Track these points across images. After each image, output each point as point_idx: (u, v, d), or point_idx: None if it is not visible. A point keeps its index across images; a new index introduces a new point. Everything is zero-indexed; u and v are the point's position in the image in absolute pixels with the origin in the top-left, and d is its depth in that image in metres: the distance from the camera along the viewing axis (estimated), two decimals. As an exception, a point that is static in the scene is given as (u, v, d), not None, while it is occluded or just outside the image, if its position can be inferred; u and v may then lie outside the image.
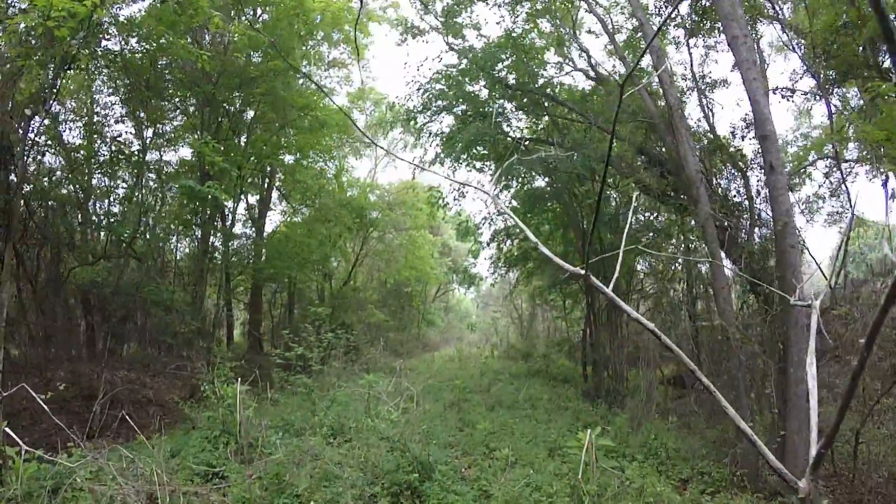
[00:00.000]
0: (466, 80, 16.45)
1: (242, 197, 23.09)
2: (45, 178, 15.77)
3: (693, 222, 11.94)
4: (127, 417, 9.24)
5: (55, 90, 12.29)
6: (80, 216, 15.99)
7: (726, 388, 9.62)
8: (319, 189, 21.75)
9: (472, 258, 25.81)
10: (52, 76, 12.10)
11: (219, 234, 18.65)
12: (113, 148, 15.98)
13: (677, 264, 16.53)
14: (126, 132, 16.60)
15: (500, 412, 11.85)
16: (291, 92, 16.84)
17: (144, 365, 16.29)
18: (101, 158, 16.04)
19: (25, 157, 12.78)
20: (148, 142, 17.03)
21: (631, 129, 14.22)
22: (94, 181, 16.49)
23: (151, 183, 18.67)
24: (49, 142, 15.00)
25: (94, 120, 16.17)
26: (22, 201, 12.65)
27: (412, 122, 17.98)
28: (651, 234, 17.20)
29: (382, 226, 28.30)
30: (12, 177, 11.97)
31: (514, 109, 17.57)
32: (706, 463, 8.47)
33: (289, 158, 21.33)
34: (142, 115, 16.09)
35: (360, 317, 26.90)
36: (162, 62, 15.46)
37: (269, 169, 22.33)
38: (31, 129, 12.92)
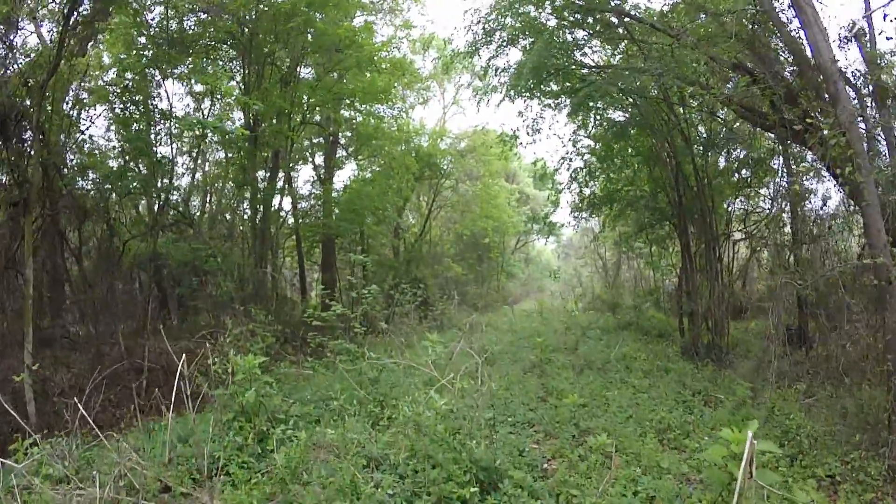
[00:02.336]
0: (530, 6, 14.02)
1: (306, 153, 21.66)
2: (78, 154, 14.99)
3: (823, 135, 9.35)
4: (158, 394, 8.03)
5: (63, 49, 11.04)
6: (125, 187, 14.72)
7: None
8: (382, 137, 19.74)
9: (552, 206, 23.36)
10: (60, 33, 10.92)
11: (285, 194, 17.36)
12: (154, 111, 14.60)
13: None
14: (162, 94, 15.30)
15: (590, 376, 9.90)
16: (334, 26, 14.85)
17: (209, 335, 15.17)
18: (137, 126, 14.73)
19: (40, 128, 11.60)
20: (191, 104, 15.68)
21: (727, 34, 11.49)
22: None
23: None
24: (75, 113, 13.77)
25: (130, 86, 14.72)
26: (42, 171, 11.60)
27: (474, 57, 15.61)
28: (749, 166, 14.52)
29: (455, 175, 26.38)
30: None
31: (586, 37, 14.92)
32: (857, 454, 6.12)
33: (347, 114, 19.68)
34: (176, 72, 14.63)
35: (434, 271, 25.29)
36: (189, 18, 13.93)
37: (331, 128, 20.68)
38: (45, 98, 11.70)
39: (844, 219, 10.52)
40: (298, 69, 16.56)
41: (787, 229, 14.31)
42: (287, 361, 11.49)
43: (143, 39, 14.03)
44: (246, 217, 18.25)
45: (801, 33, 8.62)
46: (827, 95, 7.42)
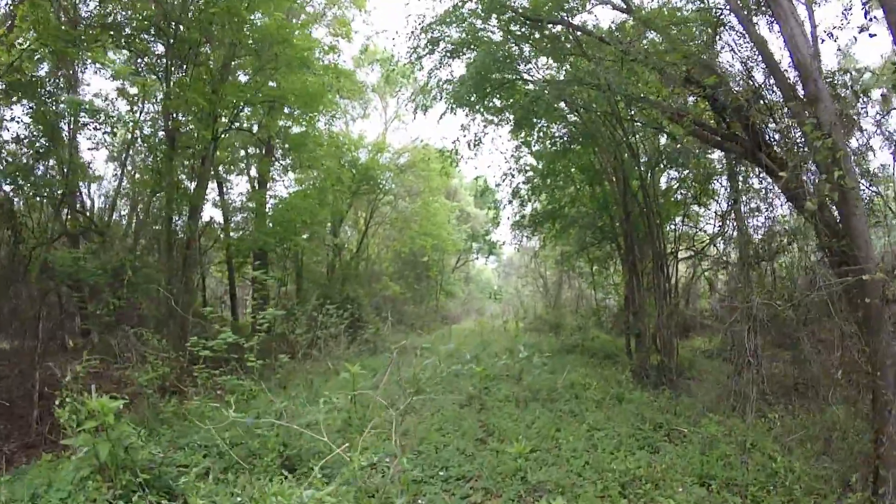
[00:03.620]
0: (477, 20, 13.09)
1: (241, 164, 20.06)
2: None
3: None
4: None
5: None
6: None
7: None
8: (313, 145, 18.35)
9: (492, 224, 22.21)
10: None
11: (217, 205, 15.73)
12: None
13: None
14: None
15: (537, 410, 8.62)
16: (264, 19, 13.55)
17: (113, 356, 13.29)
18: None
19: None
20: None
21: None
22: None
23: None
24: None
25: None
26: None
27: (416, 67, 14.49)
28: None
29: (394, 191, 25.14)
30: None
31: (532, 52, 13.99)
32: (855, 498, 5.12)
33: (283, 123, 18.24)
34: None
35: (372, 290, 23.87)
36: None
37: (263, 135, 19.17)
38: None
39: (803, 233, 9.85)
40: (228, 67, 15.01)
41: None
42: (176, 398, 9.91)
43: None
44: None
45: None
46: (804, 94, 6.50)
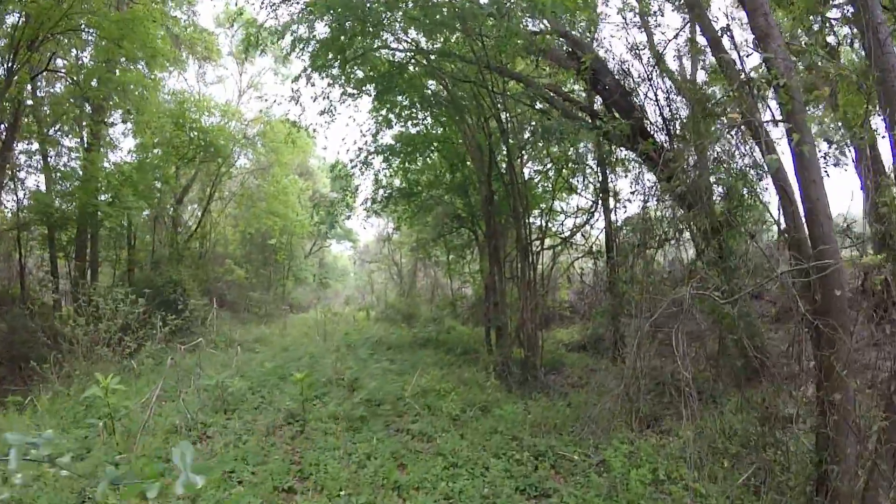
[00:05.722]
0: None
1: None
2: None
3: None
4: None
5: None
6: None
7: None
8: (130, 94, 14.95)
9: (347, 207, 19.78)
10: None
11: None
12: None
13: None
14: None
15: (374, 434, 6.47)
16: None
17: None
18: None
19: None
20: None
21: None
22: None
23: None
24: None
25: None
26: None
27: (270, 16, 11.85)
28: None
29: (245, 166, 21.98)
30: None
31: (400, 21, 11.83)
32: None
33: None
34: None
35: (214, 273, 20.60)
36: None
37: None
38: None
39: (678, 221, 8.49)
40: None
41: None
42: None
43: None
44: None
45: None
46: (754, 31, 4.81)
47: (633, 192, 10.51)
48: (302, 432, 6.57)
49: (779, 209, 5.38)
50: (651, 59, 10.85)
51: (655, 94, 10.84)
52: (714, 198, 9.26)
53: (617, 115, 9.86)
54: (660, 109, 10.81)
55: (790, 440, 5.65)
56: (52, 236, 15.50)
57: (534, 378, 9.55)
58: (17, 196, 16.01)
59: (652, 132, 10.74)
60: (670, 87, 10.79)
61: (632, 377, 6.22)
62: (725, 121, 6.41)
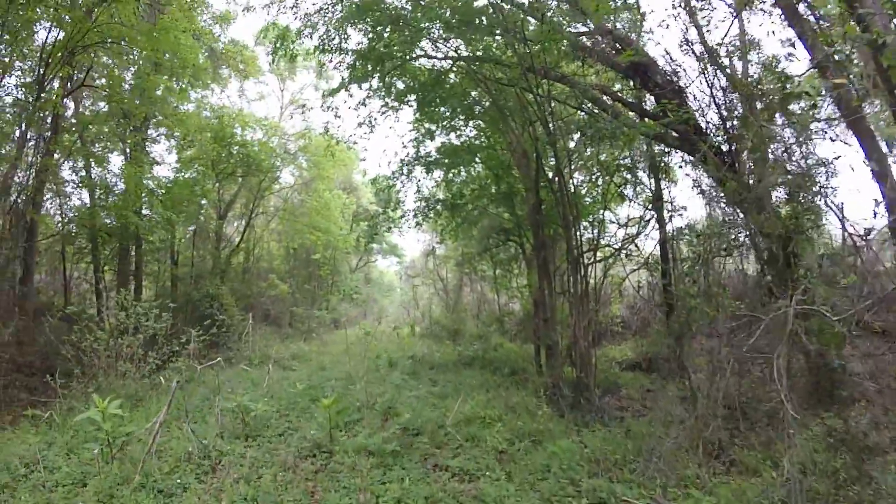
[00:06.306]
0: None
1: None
2: None
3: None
4: None
5: None
6: None
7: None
8: (169, 108, 14.80)
9: (393, 224, 19.22)
10: None
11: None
12: None
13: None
14: None
15: (409, 470, 5.64)
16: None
17: None
18: None
19: None
20: None
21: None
22: None
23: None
24: None
25: None
26: None
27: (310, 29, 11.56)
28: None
29: (291, 183, 21.74)
30: None
31: (442, 31, 11.28)
32: None
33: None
34: None
35: (259, 288, 20.35)
36: None
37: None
38: None
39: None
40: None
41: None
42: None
43: None
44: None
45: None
46: None
47: (697, 193, 9.53)
48: (327, 466, 5.85)
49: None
50: (704, 54, 10.00)
51: (711, 89, 9.98)
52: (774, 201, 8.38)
53: (670, 115, 9.04)
54: (716, 107, 9.94)
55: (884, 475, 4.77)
56: (96, 250, 15.48)
57: (587, 401, 8.70)
58: (61, 210, 16.02)
59: (708, 131, 9.88)
60: (724, 84, 9.93)
61: (707, 406, 5.35)
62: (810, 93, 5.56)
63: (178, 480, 5.25)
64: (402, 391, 8.71)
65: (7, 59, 11.31)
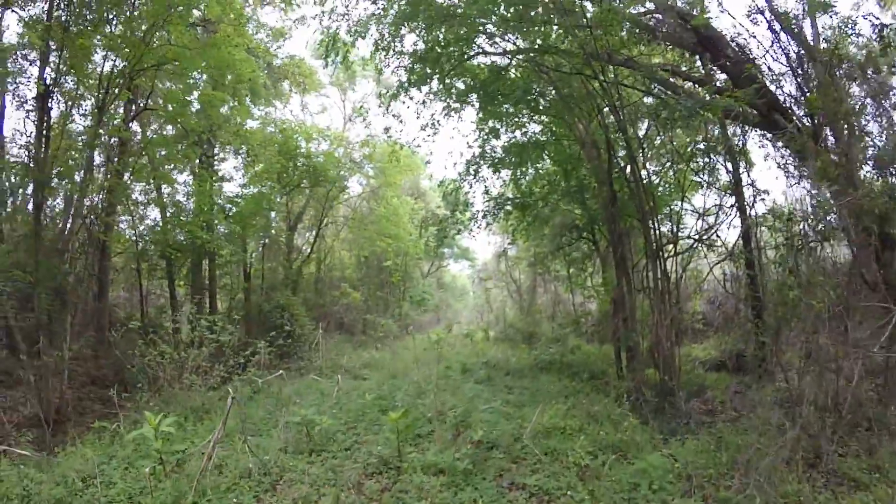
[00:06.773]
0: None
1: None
2: None
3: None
4: None
5: None
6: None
7: None
8: (238, 128, 15.00)
9: (462, 227, 18.91)
10: None
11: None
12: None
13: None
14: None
15: (482, 491, 5.17)
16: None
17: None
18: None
19: None
20: None
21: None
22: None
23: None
24: None
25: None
26: None
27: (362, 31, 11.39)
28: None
29: (360, 192, 21.83)
30: None
31: (498, 26, 10.84)
32: None
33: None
34: None
35: (331, 298, 20.48)
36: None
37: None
38: None
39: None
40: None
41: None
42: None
43: None
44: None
45: None
46: None
47: (784, 174, 8.70)
48: (393, 486, 5.45)
49: None
50: (774, 20, 9.15)
51: (788, 59, 9.13)
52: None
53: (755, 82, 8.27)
54: (794, 76, 9.08)
55: None
56: (170, 266, 15.98)
57: (672, 406, 8.03)
58: (136, 229, 16.63)
59: (787, 106, 9.03)
60: (798, 51, 9.06)
61: (812, 413, 4.67)
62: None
63: (235, 500, 5.04)
64: (475, 401, 8.27)
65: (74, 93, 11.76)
